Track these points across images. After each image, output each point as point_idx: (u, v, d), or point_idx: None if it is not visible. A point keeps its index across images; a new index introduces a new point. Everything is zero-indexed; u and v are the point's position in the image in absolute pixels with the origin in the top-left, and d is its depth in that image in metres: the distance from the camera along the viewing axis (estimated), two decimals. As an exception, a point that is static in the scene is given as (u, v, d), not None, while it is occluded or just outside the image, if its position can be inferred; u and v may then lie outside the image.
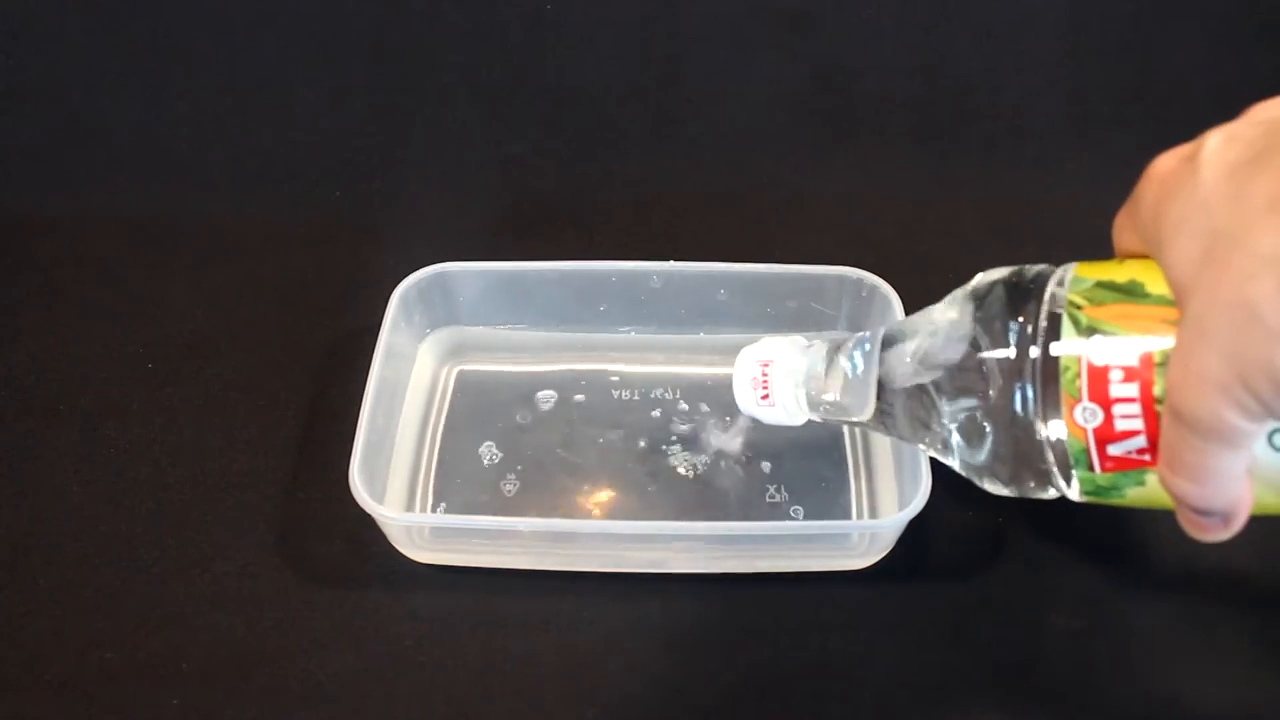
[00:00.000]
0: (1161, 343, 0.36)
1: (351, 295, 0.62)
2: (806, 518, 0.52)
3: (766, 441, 0.55)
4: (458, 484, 0.54)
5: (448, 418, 0.57)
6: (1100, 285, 0.38)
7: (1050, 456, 0.39)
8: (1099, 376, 0.36)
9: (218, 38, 0.71)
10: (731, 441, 0.54)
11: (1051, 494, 0.41)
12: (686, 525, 0.51)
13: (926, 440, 0.43)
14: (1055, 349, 0.38)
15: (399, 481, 0.54)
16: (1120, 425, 0.36)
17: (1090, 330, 0.37)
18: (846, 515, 0.53)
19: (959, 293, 0.43)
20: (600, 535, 0.52)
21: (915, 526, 0.48)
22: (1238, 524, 0.36)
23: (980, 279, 0.42)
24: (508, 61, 0.71)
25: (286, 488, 0.54)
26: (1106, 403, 0.36)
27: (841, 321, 0.59)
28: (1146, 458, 0.37)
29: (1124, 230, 0.39)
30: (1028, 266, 0.41)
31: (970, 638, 0.49)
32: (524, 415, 0.57)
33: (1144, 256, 0.38)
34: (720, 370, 0.58)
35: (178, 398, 0.58)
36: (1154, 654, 0.49)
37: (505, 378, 0.59)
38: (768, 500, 0.53)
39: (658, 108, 0.72)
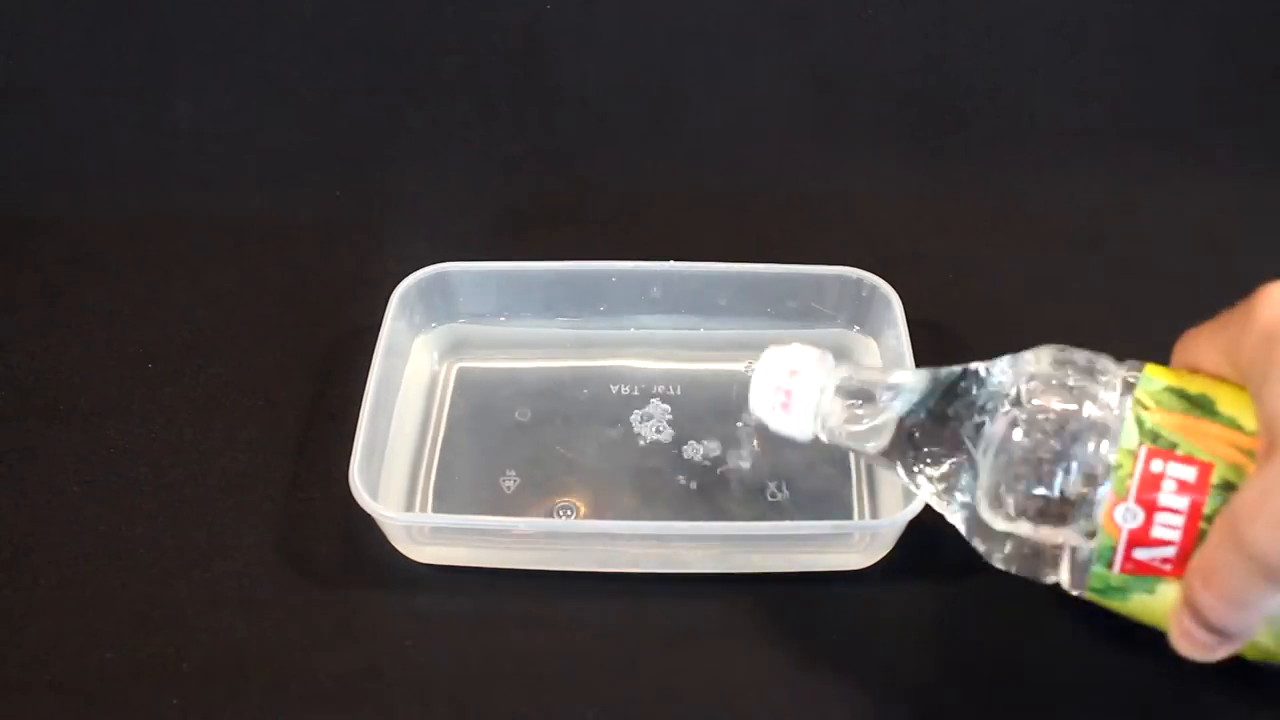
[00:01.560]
0: (1223, 465, 0.36)
1: (351, 295, 0.62)
2: (807, 517, 0.52)
3: (767, 439, 0.55)
4: (457, 482, 0.54)
5: (448, 417, 0.57)
6: (1170, 391, 0.38)
7: (1072, 546, 0.39)
8: (1151, 481, 0.37)
9: (218, 38, 0.71)
10: (742, 459, 0.54)
11: (1050, 580, 0.41)
12: (687, 525, 0.51)
13: (938, 493, 0.43)
14: (1119, 435, 0.37)
15: (399, 481, 0.54)
16: (1157, 532, 0.37)
17: (1154, 435, 0.37)
18: (847, 515, 0.53)
19: (1020, 359, 0.41)
20: (600, 534, 0.52)
21: (916, 526, 0.48)
22: (1231, 650, 0.37)
23: (1042, 352, 0.41)
24: (508, 61, 0.71)
25: (286, 488, 0.54)
26: (1152, 508, 0.37)
27: (841, 321, 0.59)
28: (1168, 568, 0.37)
29: (1203, 347, 0.39)
30: (1092, 354, 0.41)
31: (970, 638, 0.49)
32: (523, 413, 0.57)
33: (1217, 376, 0.38)
34: (720, 367, 0.58)
35: (178, 398, 0.58)
36: (1154, 654, 0.49)
37: (505, 376, 0.59)
38: (768, 499, 0.53)
39: (657, 108, 0.72)
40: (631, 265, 0.58)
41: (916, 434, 0.43)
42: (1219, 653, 0.37)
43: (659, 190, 0.69)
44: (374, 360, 0.53)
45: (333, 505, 0.52)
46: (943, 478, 0.42)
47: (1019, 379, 0.40)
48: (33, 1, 0.70)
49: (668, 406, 0.57)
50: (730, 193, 0.69)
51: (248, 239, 0.66)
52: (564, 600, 0.50)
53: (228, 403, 0.58)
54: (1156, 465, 0.37)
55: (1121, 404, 0.38)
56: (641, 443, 0.55)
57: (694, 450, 0.55)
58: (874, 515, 0.52)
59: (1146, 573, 0.38)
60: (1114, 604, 0.40)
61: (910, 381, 0.44)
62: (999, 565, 0.42)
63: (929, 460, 0.43)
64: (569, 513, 0.53)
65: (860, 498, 0.53)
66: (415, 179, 0.69)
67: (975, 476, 0.41)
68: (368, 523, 0.49)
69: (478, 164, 0.70)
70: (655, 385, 0.58)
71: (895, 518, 0.48)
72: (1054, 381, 0.39)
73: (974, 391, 0.42)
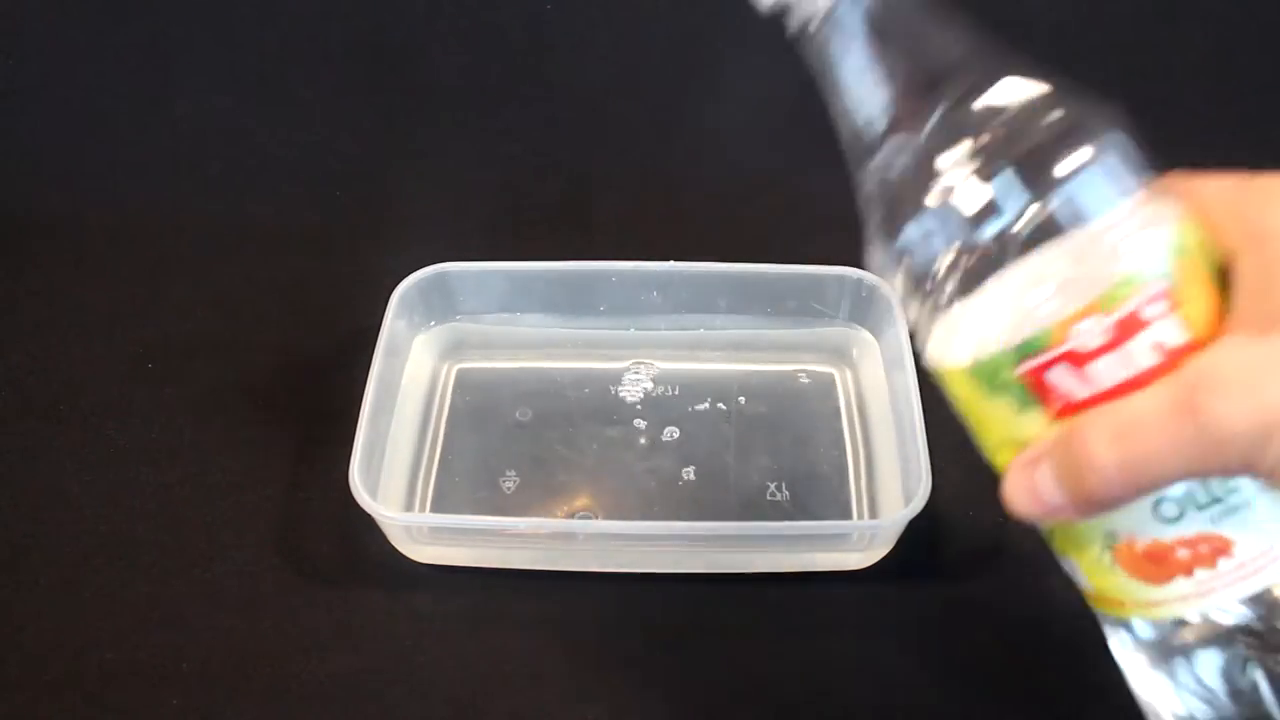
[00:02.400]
0: (1194, 349, 0.30)
1: (351, 295, 0.62)
2: (806, 517, 0.52)
3: (767, 439, 0.55)
4: (457, 482, 0.54)
5: (448, 417, 0.57)
6: (1206, 250, 0.32)
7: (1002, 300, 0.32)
8: (1139, 320, 0.30)
9: (218, 38, 0.71)
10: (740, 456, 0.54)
11: (924, 312, 0.34)
12: (686, 525, 0.51)
13: (871, 145, 0.36)
14: (1138, 255, 0.31)
15: (399, 481, 0.54)
16: (1095, 368, 0.30)
17: (1178, 278, 0.31)
18: (846, 514, 0.53)
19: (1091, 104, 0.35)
20: (600, 535, 0.52)
21: (916, 526, 0.48)
22: (1066, 519, 0.32)
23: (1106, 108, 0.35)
24: (508, 61, 0.71)
25: (286, 488, 0.54)
26: (1114, 344, 0.30)
27: (841, 322, 0.59)
28: (1058, 405, 0.31)
29: (1210, 197, 0.34)
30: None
31: (970, 638, 0.49)
32: (523, 413, 0.57)
33: (1201, 216, 0.33)
34: (720, 367, 0.58)
35: (178, 398, 0.58)
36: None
37: (505, 376, 0.59)
38: (768, 499, 0.53)
39: (657, 108, 0.72)
40: (631, 265, 0.58)
41: (898, 73, 0.36)
42: (1054, 517, 0.32)
43: (659, 190, 0.69)
44: (374, 360, 0.53)
45: (333, 505, 0.52)
46: (888, 130, 0.35)
47: (1059, 108, 0.35)
48: (33, 1, 0.70)
49: (668, 406, 0.57)
50: (730, 193, 0.69)
51: (248, 239, 0.66)
52: (564, 601, 0.50)
53: (228, 403, 0.58)
54: (1156, 308, 0.30)
55: (1160, 223, 0.32)
56: (641, 442, 0.55)
57: (693, 450, 0.55)
58: (873, 515, 0.53)
59: (1039, 395, 0.31)
60: (973, 394, 0.33)
61: (923, 28, 0.36)
62: (875, 262, 0.36)
63: (888, 112, 0.36)
64: (586, 519, 0.53)
65: (860, 498, 0.53)
66: (415, 179, 0.69)
67: (930, 151, 0.35)
68: (367, 523, 0.49)
69: (478, 164, 0.70)
70: (655, 385, 0.58)
71: (895, 517, 0.48)
72: (1101, 143, 0.34)
73: (983, 85, 0.35)
